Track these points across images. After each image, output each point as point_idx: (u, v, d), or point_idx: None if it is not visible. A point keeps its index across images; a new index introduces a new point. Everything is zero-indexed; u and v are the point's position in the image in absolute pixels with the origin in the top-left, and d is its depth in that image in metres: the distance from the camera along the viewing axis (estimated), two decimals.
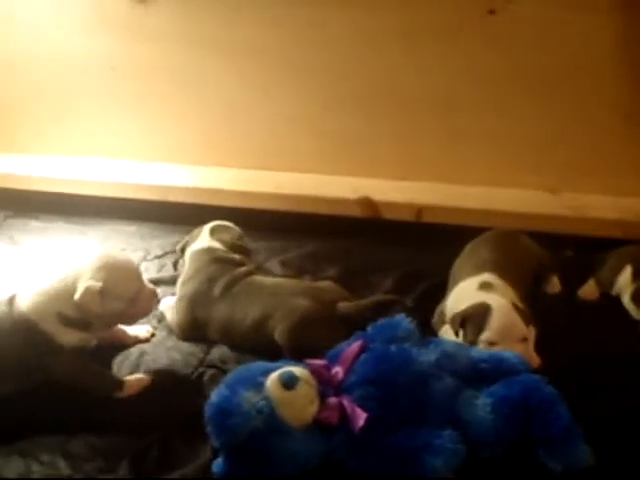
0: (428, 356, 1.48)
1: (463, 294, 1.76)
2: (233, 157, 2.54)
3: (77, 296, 1.57)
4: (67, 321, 1.60)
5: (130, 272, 1.67)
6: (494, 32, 2.15)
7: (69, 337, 1.60)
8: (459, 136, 2.32)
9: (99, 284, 1.58)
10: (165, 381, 1.71)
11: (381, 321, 1.61)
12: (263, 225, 2.30)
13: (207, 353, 1.82)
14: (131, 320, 1.74)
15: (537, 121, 2.23)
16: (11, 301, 1.62)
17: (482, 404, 1.43)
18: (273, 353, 1.64)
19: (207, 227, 2.03)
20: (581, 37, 2.08)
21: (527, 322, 1.65)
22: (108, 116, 2.62)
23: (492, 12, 2.13)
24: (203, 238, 2.00)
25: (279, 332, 1.72)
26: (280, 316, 1.73)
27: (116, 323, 1.74)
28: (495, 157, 2.31)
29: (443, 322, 1.79)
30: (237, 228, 2.07)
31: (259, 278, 1.90)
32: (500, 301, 1.67)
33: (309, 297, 1.76)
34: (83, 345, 1.64)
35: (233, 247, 1.98)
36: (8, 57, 2.62)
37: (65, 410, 1.60)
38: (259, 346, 1.75)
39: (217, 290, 1.85)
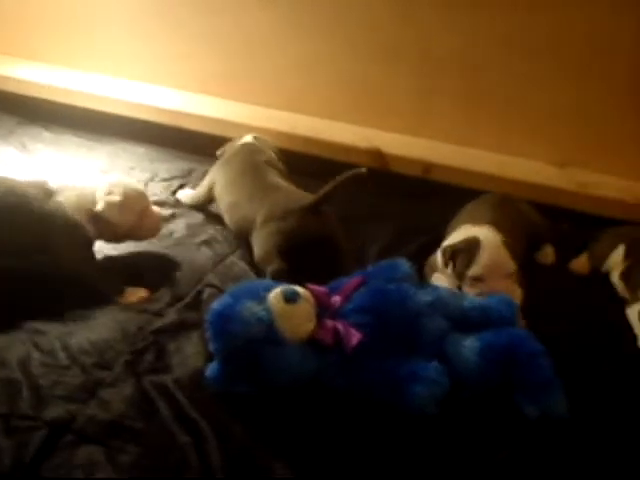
0: (424, 297, 1.54)
1: (457, 234, 1.80)
2: (249, 93, 2.55)
3: (99, 207, 1.74)
4: (92, 220, 1.74)
5: (139, 190, 1.86)
6: None
7: (91, 230, 1.75)
8: (477, 100, 2.34)
9: (118, 197, 1.76)
10: (164, 294, 1.76)
11: (382, 262, 1.67)
12: None
13: (204, 274, 1.86)
14: (138, 236, 1.88)
15: (557, 91, 2.23)
16: (46, 191, 1.74)
17: (470, 346, 1.48)
18: None
19: (249, 135, 2.18)
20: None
21: (515, 258, 1.71)
22: (132, 37, 2.63)
23: None
24: (246, 138, 2.15)
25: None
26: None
27: (125, 237, 1.86)
28: (510, 125, 2.32)
29: (433, 271, 1.85)
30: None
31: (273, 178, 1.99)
32: (489, 235, 1.72)
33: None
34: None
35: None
36: None
37: (67, 305, 1.66)
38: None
39: (238, 165, 2.03)
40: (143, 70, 2.65)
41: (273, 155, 2.13)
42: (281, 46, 2.46)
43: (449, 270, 1.74)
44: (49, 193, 1.73)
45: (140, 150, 2.51)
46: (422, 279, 1.81)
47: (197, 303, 1.74)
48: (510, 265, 1.70)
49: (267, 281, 1.55)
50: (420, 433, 1.40)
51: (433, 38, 2.29)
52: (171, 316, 1.68)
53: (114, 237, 1.83)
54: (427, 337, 1.48)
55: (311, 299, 1.49)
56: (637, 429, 1.45)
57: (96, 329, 1.61)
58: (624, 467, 1.37)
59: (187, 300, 1.74)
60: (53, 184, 1.77)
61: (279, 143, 2.32)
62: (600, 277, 1.98)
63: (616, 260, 1.96)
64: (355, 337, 1.43)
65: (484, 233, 1.74)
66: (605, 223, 2.11)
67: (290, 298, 1.44)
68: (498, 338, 1.48)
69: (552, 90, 2.25)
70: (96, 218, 1.74)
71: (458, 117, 2.37)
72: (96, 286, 1.72)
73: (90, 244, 1.77)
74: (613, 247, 1.99)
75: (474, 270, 1.69)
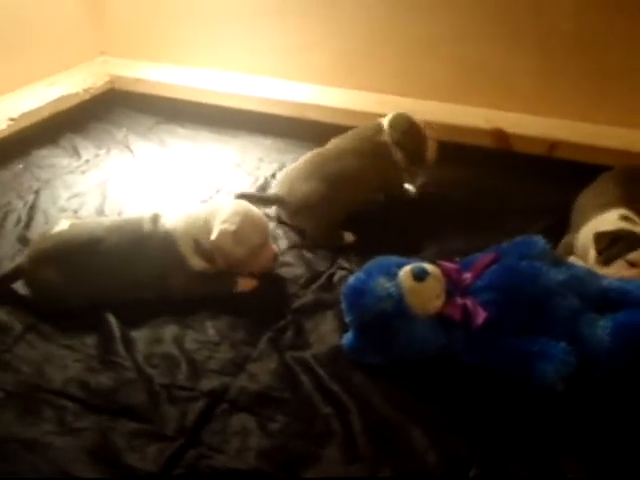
0: (557, 275, 1.54)
1: (605, 222, 1.78)
2: (370, 80, 2.62)
3: (213, 236, 1.71)
4: (199, 249, 1.74)
5: (260, 224, 1.79)
6: None
7: (197, 263, 1.74)
8: (599, 75, 2.31)
9: (233, 227, 1.71)
10: (301, 276, 1.86)
11: (518, 238, 1.70)
12: None
13: (337, 257, 1.95)
14: (247, 269, 1.81)
15: None
16: (155, 219, 1.76)
17: (602, 326, 1.48)
18: None
19: (390, 115, 2.18)
20: None
21: None
22: (255, 34, 2.77)
23: None
24: (384, 119, 2.16)
25: None
26: None
27: (234, 267, 1.79)
28: (633, 98, 2.28)
29: (569, 254, 1.84)
30: (414, 120, 2.15)
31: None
32: None
33: None
34: (206, 271, 1.76)
35: (397, 138, 2.12)
36: None
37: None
38: None
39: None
40: (266, 65, 2.78)
41: (385, 139, 2.12)
42: (401, 31, 2.52)
43: (594, 256, 1.73)
44: (158, 221, 1.75)
45: (268, 142, 2.63)
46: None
47: (330, 284, 1.83)
48: None
49: (400, 258, 1.61)
50: (549, 408, 1.43)
51: (551, 16, 2.27)
52: (308, 297, 1.78)
53: (223, 265, 1.77)
54: (558, 316, 1.49)
55: (440, 276, 1.54)
56: None
57: (241, 309, 1.73)
58: None
59: (321, 281, 1.84)
60: (164, 210, 1.80)
61: None
62: None
63: None
64: (481, 316, 1.47)
65: None
66: None
67: (419, 276, 1.50)
68: (632, 317, 1.47)
69: None
70: (205, 246, 1.72)
71: (580, 94, 2.35)
72: (210, 295, 1.76)
73: (194, 274, 1.74)
74: None
75: (635, 255, 1.67)
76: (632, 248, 1.67)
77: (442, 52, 2.49)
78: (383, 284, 1.52)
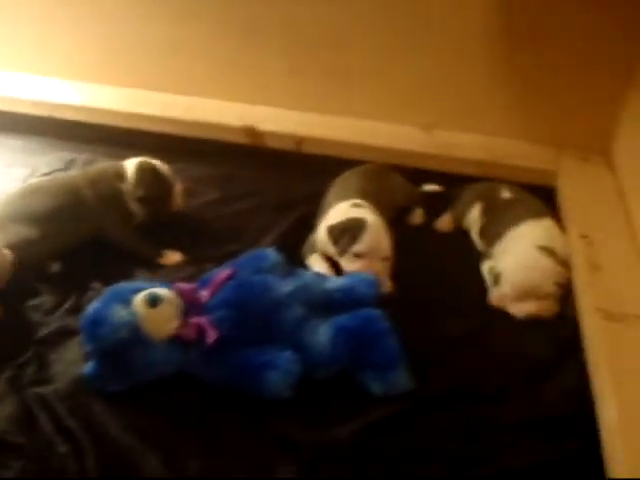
0: (285, 287, 1.65)
1: (338, 213, 1.91)
2: (123, 76, 2.57)
3: None
4: None
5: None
6: None
7: None
8: (344, 71, 2.43)
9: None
10: (46, 301, 1.83)
11: (251, 251, 1.80)
12: (148, 147, 2.28)
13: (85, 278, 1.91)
14: None
15: (417, 61, 2.36)
16: None
17: (323, 332, 1.61)
18: None
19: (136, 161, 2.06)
20: None
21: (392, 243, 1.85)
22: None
23: None
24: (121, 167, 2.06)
25: None
26: None
27: None
28: (378, 94, 2.44)
29: (313, 251, 1.95)
30: (161, 173, 2.07)
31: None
32: (374, 218, 1.86)
33: None
34: None
35: (140, 195, 2.02)
36: None
37: None
38: None
39: None
40: (14, 60, 2.64)
41: (122, 188, 2.02)
42: (151, 29, 2.48)
43: (333, 248, 1.86)
44: None
45: (18, 143, 2.51)
46: (299, 257, 1.94)
47: (78, 307, 1.79)
48: (388, 250, 1.84)
49: (135, 284, 1.65)
50: (278, 415, 1.54)
51: (295, 14, 2.35)
52: (53, 324, 1.75)
53: None
54: (284, 327, 1.60)
55: (175, 299, 1.60)
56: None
57: None
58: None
59: (67, 306, 1.81)
60: None
61: (154, 126, 2.37)
62: (462, 233, 2.14)
63: (474, 218, 2.11)
64: (212, 337, 1.55)
65: (369, 216, 1.85)
66: (468, 181, 2.25)
67: (152, 302, 1.56)
68: (349, 322, 1.61)
69: (413, 59, 2.36)
70: None
71: (326, 91, 2.46)
72: None
73: None
74: (471, 205, 2.13)
75: (357, 247, 1.81)
76: (355, 237, 1.81)
77: (194, 49, 2.49)
78: (119, 312, 1.55)
